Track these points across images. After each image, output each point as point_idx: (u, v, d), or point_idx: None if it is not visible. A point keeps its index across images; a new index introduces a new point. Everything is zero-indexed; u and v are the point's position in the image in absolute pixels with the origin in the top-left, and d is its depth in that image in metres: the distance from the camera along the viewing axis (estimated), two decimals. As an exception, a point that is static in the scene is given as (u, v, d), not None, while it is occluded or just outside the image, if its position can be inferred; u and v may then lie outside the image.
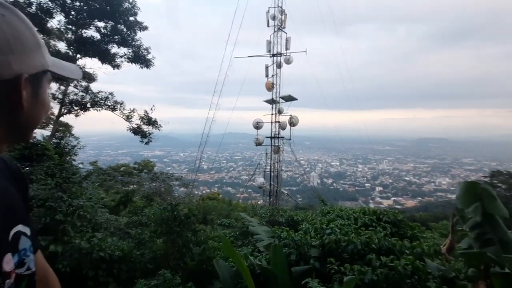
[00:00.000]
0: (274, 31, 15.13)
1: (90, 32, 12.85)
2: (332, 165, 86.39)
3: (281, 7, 15.12)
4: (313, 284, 2.98)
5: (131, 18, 12.46)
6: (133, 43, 12.71)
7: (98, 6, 11.84)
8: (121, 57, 13.19)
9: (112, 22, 12.37)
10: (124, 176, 16.00)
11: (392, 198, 58.56)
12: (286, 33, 15.29)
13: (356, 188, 67.37)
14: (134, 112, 13.17)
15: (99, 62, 13.28)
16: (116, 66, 13.44)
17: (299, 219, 6.80)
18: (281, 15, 15.15)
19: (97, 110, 13.01)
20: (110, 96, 13.04)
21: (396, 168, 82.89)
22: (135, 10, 12.37)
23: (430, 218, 20.22)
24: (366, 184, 69.83)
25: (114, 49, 13.12)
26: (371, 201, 56.57)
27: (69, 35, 12.89)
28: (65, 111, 13.21)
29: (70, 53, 12.96)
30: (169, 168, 63.25)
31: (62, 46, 13.22)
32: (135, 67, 13.12)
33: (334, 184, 69.85)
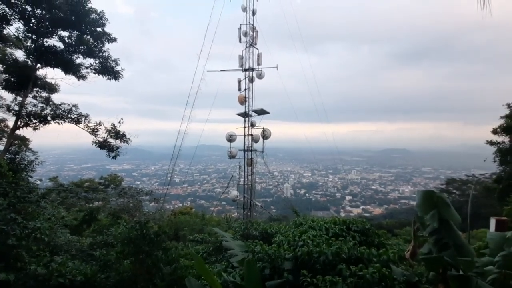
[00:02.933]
0: (246, 47, 15.51)
1: (53, 42, 12.24)
2: (304, 176, 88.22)
3: (253, 24, 15.62)
4: (287, 297, 3.01)
5: (99, 29, 12.10)
6: (101, 54, 12.29)
7: (62, 15, 11.36)
8: (87, 68, 12.67)
9: (77, 32, 11.91)
10: (88, 192, 15.01)
11: (361, 207, 60.90)
12: (257, 49, 15.75)
13: (328, 197, 69.20)
14: (100, 125, 12.57)
15: (62, 73, 12.63)
16: (82, 77, 12.86)
17: (273, 231, 6.84)
18: (253, 32, 15.61)
19: (58, 123, 12.22)
20: (73, 108, 12.35)
21: (363, 178, 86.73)
22: (103, 21, 12.05)
23: (396, 224, 21.29)
24: (337, 194, 72.06)
25: (79, 59, 12.59)
26: (341, 210, 58.32)
27: (28, 44, 12.16)
28: (22, 124, 12.24)
29: (29, 62, 12.19)
30: (139, 183, 60.41)
31: (20, 54, 12.41)
32: (102, 78, 12.65)
33: (307, 194, 71.18)
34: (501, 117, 10.62)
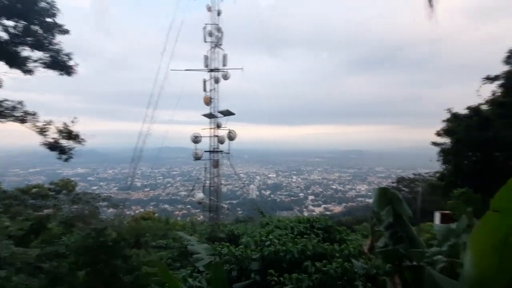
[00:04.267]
0: (212, 47, 15.34)
1: (-5, 31, 10.86)
2: (269, 177, 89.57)
3: (218, 24, 15.50)
4: (255, 298, 3.01)
5: (49, 20, 11.02)
6: (51, 47, 11.18)
7: (6, 2, 10.16)
8: (35, 61, 11.43)
9: (24, 22, 10.71)
10: (36, 199, 13.57)
11: (323, 206, 63.61)
12: (223, 49, 15.66)
13: (292, 198, 71.05)
14: (50, 124, 11.40)
15: (6, 66, 11.25)
16: (28, 72, 11.56)
17: (240, 233, 6.82)
18: (218, 33, 15.50)
19: (1, 121, 10.85)
20: (18, 106, 11.06)
21: (325, 178, 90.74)
22: (53, 11, 11.00)
23: (354, 221, 22.59)
24: (300, 194, 74.33)
25: (26, 52, 11.32)
26: (305, 209, 60.28)
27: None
28: (-45, 122, 10.66)
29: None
30: (95, 188, 56.22)
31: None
32: (53, 74, 11.51)
33: (272, 195, 72.31)
34: (443, 121, 11.86)
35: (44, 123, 11.42)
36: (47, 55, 11.42)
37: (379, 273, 3.66)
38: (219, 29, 15.49)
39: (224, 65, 15.53)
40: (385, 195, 3.64)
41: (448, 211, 6.98)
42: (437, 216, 6.73)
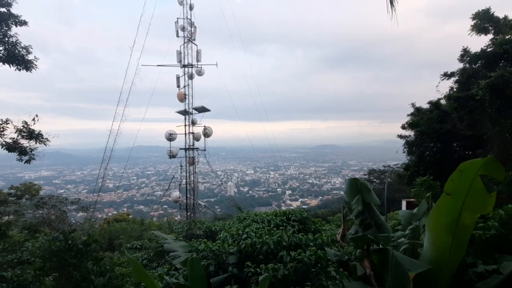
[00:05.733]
0: (184, 42, 14.99)
1: None
2: (247, 174, 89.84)
3: (190, 19, 15.16)
4: (232, 290, 3.05)
5: (2, 9, 10.13)
6: (6, 39, 10.30)
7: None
8: (-13, 55, 10.48)
9: (-26, 12, 9.76)
10: (-7, 205, 12.52)
11: (300, 200, 65.08)
12: (196, 45, 15.36)
13: (270, 193, 71.94)
14: (7, 123, 10.51)
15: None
16: (-20, 67, 10.58)
17: (217, 229, 6.82)
18: (191, 27, 15.16)
19: (-51, 121, 9.83)
20: None
21: (301, 173, 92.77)
22: (8, 0, 10.14)
23: (329, 213, 23.40)
24: (278, 189, 75.45)
25: None
26: (282, 204, 61.32)
27: None
28: None
29: None
30: (62, 191, 53.01)
31: None
32: (9, 68, 10.61)
33: (250, 191, 72.70)
34: (408, 115, 12.60)
35: (1, 122, 10.52)
36: (1, 48, 10.49)
37: (350, 258, 3.86)
38: (191, 24, 15.17)
39: (198, 60, 15.25)
40: (355, 185, 3.86)
41: (412, 199, 7.48)
42: (403, 203, 7.20)
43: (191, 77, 15.06)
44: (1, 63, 10.69)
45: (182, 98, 14.86)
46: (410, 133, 12.57)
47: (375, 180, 24.82)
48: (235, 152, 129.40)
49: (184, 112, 15.06)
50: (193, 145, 15.13)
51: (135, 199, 62.53)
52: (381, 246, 3.35)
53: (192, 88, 15.20)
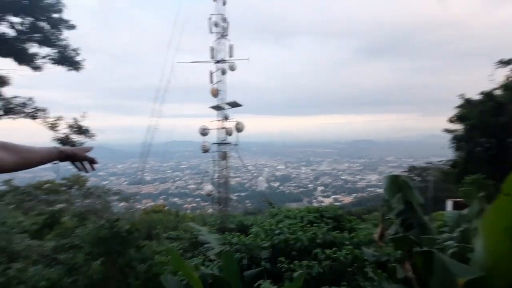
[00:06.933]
0: (218, 38, 15.20)
1: (2, 28, 11.02)
2: (278, 169, 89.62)
3: (223, 14, 15.31)
4: (265, 285, 3.05)
5: (55, 15, 11.10)
6: (58, 42, 11.29)
7: (12, -1, 10.27)
8: (43, 57, 11.59)
9: (30, 18, 10.82)
10: (48, 194, 13.96)
11: (332, 196, 63.44)
12: (229, 40, 15.50)
13: (301, 189, 71.09)
14: (60, 120, 11.61)
15: (14, 63, 11.43)
16: (37, 68, 11.75)
17: (249, 223, 6.89)
18: (224, 23, 15.33)
19: (12, 118, 11.12)
20: (29, 102, 11.29)
21: (334, 168, 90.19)
22: (60, 7, 11.07)
23: (364, 211, 22.46)
24: (309, 185, 74.25)
25: (34, 48, 11.47)
26: (314, 200, 60.28)
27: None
28: (-32, 121, 10.97)
29: (-27, 52, 10.89)
30: (106, 182, 57.40)
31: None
32: (61, 70, 11.67)
33: (281, 187, 72.50)
34: (456, 107, 11.57)
35: (55, 119, 11.64)
36: (55, 51, 11.54)
37: (389, 260, 3.66)
38: (224, 19, 15.32)
39: (230, 56, 15.39)
40: (396, 182, 3.62)
41: (460, 199, 6.88)
42: (449, 203, 6.65)
43: (223, 72, 15.27)
44: (54, 65, 11.75)
45: (215, 93, 15.13)
46: (458, 127, 11.56)
47: (416, 178, 23.33)
48: (266, 147, 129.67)
49: (217, 108, 15.36)
50: (225, 140, 15.41)
51: (170, 191, 65.72)
52: (425, 248, 3.12)
53: (225, 83, 15.42)
